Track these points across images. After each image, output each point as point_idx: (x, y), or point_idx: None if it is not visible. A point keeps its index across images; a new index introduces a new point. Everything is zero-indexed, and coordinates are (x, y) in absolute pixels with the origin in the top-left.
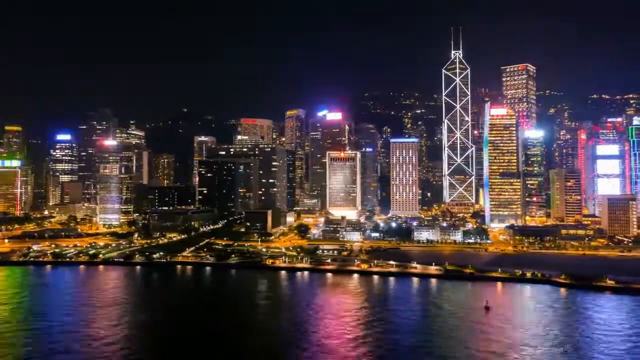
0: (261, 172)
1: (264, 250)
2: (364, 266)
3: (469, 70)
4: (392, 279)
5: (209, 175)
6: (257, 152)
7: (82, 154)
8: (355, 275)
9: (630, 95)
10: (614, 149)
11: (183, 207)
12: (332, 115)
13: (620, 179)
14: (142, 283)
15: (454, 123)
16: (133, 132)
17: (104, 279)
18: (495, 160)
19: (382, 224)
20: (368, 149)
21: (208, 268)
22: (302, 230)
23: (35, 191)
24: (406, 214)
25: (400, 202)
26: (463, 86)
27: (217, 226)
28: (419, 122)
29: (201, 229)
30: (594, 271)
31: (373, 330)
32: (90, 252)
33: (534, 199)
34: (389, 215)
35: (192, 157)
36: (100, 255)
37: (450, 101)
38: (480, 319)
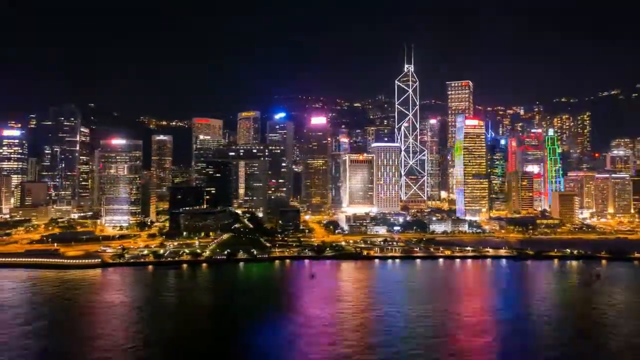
0: (270, 172)
1: (343, 243)
2: (448, 252)
3: (418, 82)
4: (469, 261)
5: (217, 175)
6: (266, 154)
7: (47, 152)
8: (441, 260)
9: (499, 107)
10: (537, 155)
11: (196, 207)
12: (316, 120)
13: (542, 179)
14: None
15: (408, 129)
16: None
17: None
18: (469, 163)
19: (400, 219)
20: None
21: (307, 261)
22: (334, 225)
23: None
24: (389, 210)
25: (384, 200)
26: (414, 96)
27: (242, 224)
28: (343, 126)
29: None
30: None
31: None
32: (187, 251)
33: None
34: (374, 212)
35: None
36: (204, 254)
37: (403, 109)
38: None
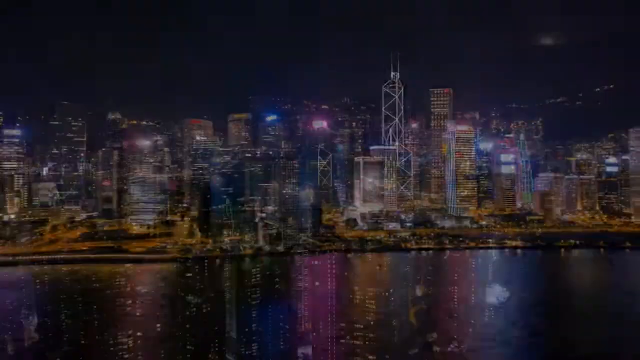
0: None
1: (378, 237)
2: (472, 244)
3: (403, 89)
4: (491, 251)
5: (236, 175)
6: (280, 155)
7: (54, 152)
8: (468, 251)
9: (456, 112)
10: (510, 157)
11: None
12: (317, 123)
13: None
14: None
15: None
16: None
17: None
18: (461, 166)
19: (403, 216)
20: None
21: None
22: (354, 222)
23: None
24: (388, 209)
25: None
26: (399, 102)
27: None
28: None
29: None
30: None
31: None
32: (247, 245)
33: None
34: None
35: None
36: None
37: (390, 114)
38: None
